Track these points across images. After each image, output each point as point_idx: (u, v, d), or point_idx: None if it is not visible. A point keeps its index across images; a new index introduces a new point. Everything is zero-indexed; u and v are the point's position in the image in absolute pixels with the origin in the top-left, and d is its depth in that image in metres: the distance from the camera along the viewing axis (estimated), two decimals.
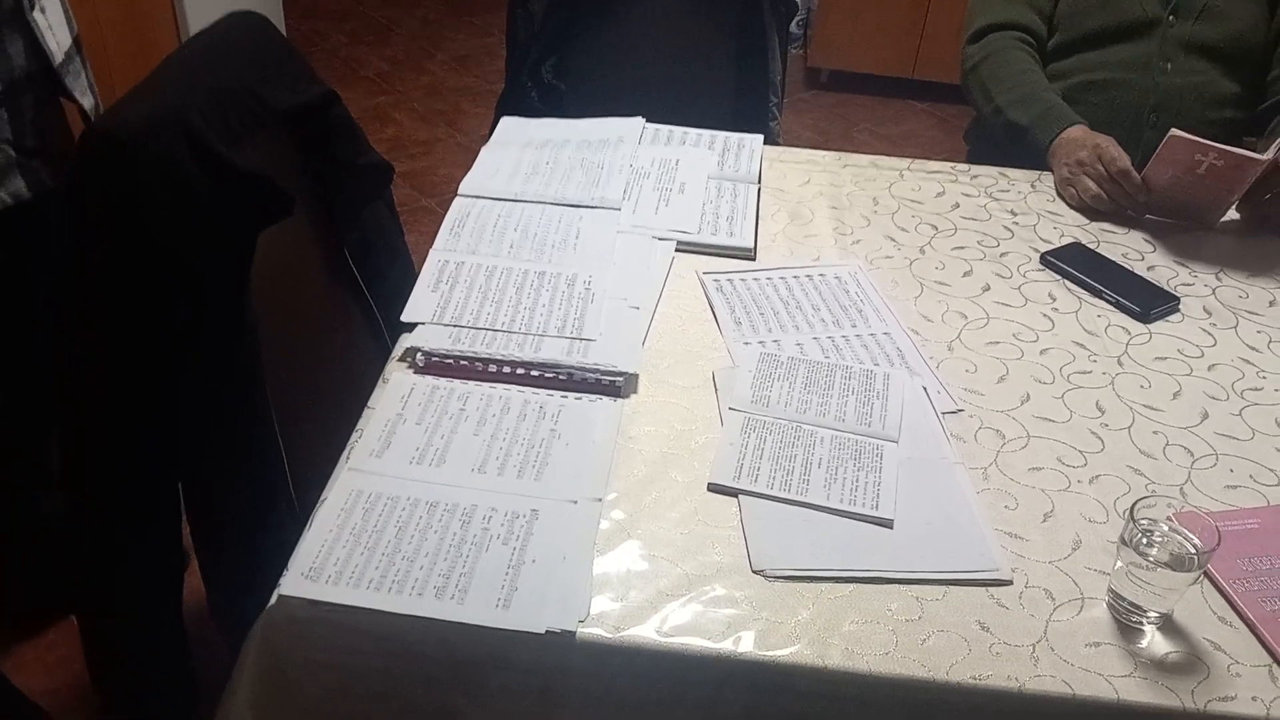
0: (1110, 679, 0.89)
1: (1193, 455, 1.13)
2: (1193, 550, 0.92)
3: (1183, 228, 1.53)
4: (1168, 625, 0.94)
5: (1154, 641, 0.93)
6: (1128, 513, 0.93)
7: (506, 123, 1.64)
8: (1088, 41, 1.73)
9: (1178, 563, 0.91)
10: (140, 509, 1.24)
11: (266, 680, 0.93)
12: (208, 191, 1.10)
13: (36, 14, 1.26)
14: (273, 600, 0.91)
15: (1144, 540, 0.93)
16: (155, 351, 1.13)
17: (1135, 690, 0.88)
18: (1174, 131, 1.44)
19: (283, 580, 0.92)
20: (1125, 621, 0.94)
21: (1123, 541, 0.93)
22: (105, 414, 1.16)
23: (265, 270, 1.19)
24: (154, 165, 1.06)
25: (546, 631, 0.89)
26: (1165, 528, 0.94)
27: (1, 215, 1.25)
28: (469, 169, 1.51)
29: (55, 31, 1.29)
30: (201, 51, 1.24)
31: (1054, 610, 0.95)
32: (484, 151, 1.56)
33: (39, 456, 1.66)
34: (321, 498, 1.01)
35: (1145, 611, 0.93)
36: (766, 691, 0.90)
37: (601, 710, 0.92)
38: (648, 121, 1.66)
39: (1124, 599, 0.94)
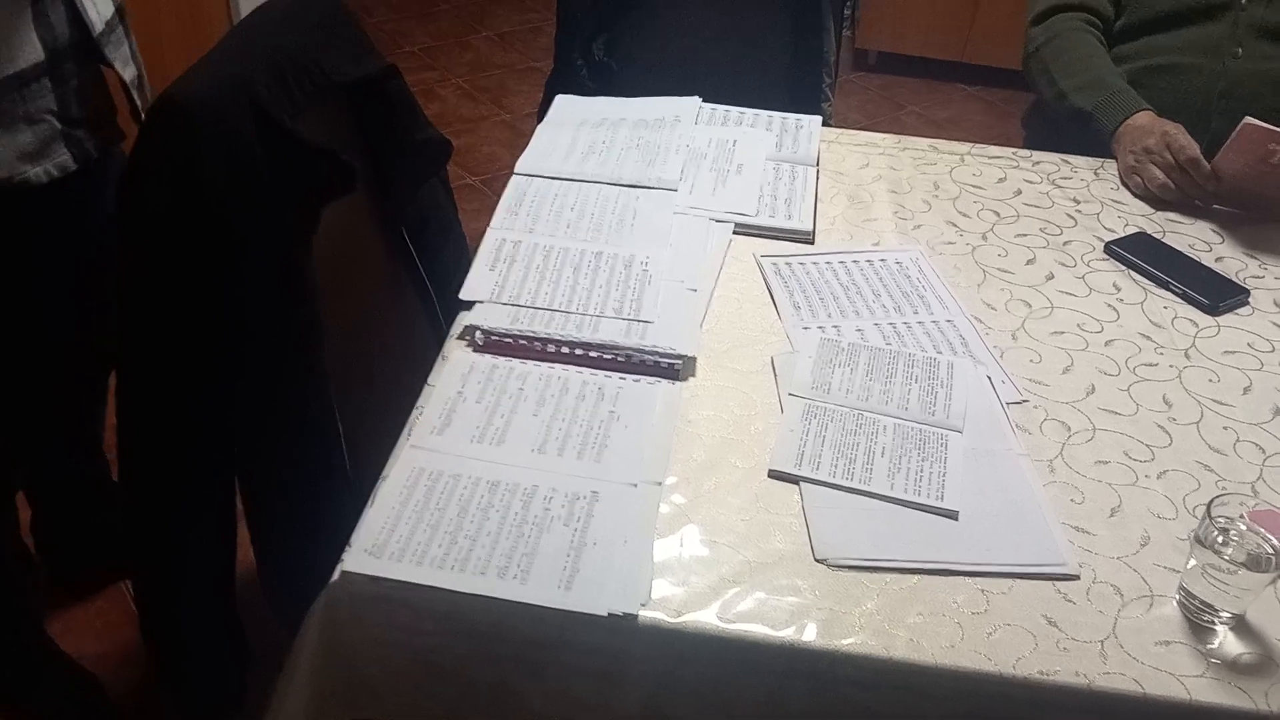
0: (1181, 678, 0.88)
1: (1264, 452, 1.11)
2: (1271, 551, 0.90)
3: (1252, 219, 1.49)
4: (1240, 625, 0.92)
5: (1226, 641, 0.91)
6: (1204, 510, 0.91)
7: (561, 101, 1.63)
8: (1156, 24, 1.69)
9: (1255, 563, 0.89)
10: (195, 480, 1.25)
11: (327, 656, 0.93)
12: (272, 164, 1.09)
13: None
14: (335, 576, 0.91)
15: (1219, 539, 0.91)
16: (215, 323, 1.13)
17: (1207, 691, 0.87)
18: (1248, 120, 1.41)
19: (345, 556, 0.92)
20: (1197, 620, 0.92)
21: (1197, 540, 0.91)
22: (162, 385, 1.17)
23: (322, 245, 1.19)
24: (220, 136, 1.06)
25: (608, 614, 0.89)
26: (1242, 526, 0.92)
27: (48, 187, 1.25)
28: (514, 147, 1.51)
29: (97, 1, 1.29)
30: (266, 21, 1.23)
31: (1122, 607, 0.93)
32: (540, 129, 1.55)
33: (82, 423, 1.68)
34: (383, 474, 1.01)
35: (1218, 611, 0.91)
36: (830, 681, 0.89)
37: (661, 694, 0.92)
38: (701, 101, 1.64)
39: (1196, 598, 0.92)
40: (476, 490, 0.99)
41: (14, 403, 1.43)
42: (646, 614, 0.90)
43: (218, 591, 1.34)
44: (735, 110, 1.62)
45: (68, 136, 1.26)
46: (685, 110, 1.59)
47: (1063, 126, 1.71)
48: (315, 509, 1.23)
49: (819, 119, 1.61)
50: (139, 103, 1.38)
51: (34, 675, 1.61)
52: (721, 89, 1.67)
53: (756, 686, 0.90)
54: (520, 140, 1.52)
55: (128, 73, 1.35)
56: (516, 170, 1.45)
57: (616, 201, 1.40)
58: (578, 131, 1.54)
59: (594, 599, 0.90)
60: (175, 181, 1.04)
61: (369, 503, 0.98)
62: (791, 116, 1.61)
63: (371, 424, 1.28)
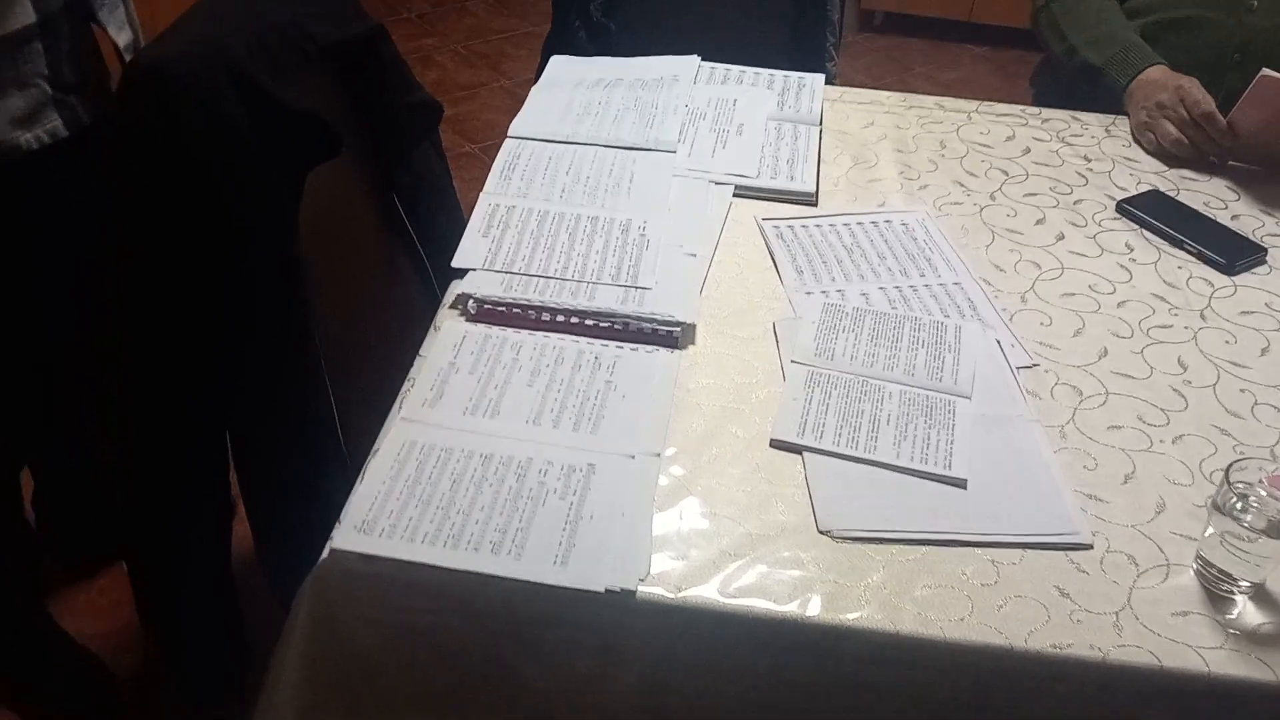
0: (1200, 650, 0.85)
1: None
2: None
3: (1269, 175, 1.44)
4: (1260, 595, 0.89)
5: (1246, 612, 0.88)
6: (1222, 476, 0.88)
7: (556, 61, 1.59)
8: None
9: (1276, 529, 0.86)
10: (186, 457, 1.22)
11: (318, 636, 0.90)
12: (253, 129, 1.06)
13: None
14: (325, 554, 0.89)
15: (1238, 505, 0.87)
16: (201, 294, 1.10)
17: (1227, 663, 0.84)
18: (1265, 72, 1.36)
19: (335, 534, 0.89)
20: (1215, 590, 0.89)
21: (1215, 507, 0.88)
22: (149, 359, 1.14)
23: (311, 214, 1.15)
24: (197, 102, 1.03)
25: (606, 590, 0.86)
26: (1262, 492, 0.88)
27: (38, 154, 1.22)
28: (513, 114, 1.46)
29: None
30: None
31: (1138, 577, 0.90)
32: (534, 91, 1.51)
33: (85, 408, 1.65)
34: (374, 448, 0.98)
35: (1237, 580, 0.88)
36: (834, 657, 0.86)
37: (662, 671, 0.89)
38: (700, 59, 1.59)
39: (1214, 566, 0.89)
40: (469, 464, 0.96)
41: (15, 389, 1.40)
42: (645, 589, 0.87)
43: (212, 571, 1.32)
44: (735, 69, 1.58)
45: (59, 102, 1.22)
46: (684, 70, 1.55)
47: (1072, 84, 1.66)
48: (311, 485, 1.20)
49: (821, 77, 1.56)
50: None
51: (39, 659, 1.60)
52: (722, 50, 1.63)
53: (758, 663, 0.87)
54: (520, 107, 1.48)
55: (122, 37, 1.31)
56: (510, 133, 1.41)
57: (613, 164, 1.36)
58: (573, 93, 1.49)
59: (591, 575, 0.87)
60: (151, 148, 1.01)
61: (359, 478, 0.95)
62: (794, 75, 1.56)
63: (366, 396, 1.25)
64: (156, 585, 1.32)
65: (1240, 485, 0.88)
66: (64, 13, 1.20)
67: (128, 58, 1.32)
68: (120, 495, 1.28)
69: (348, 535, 0.89)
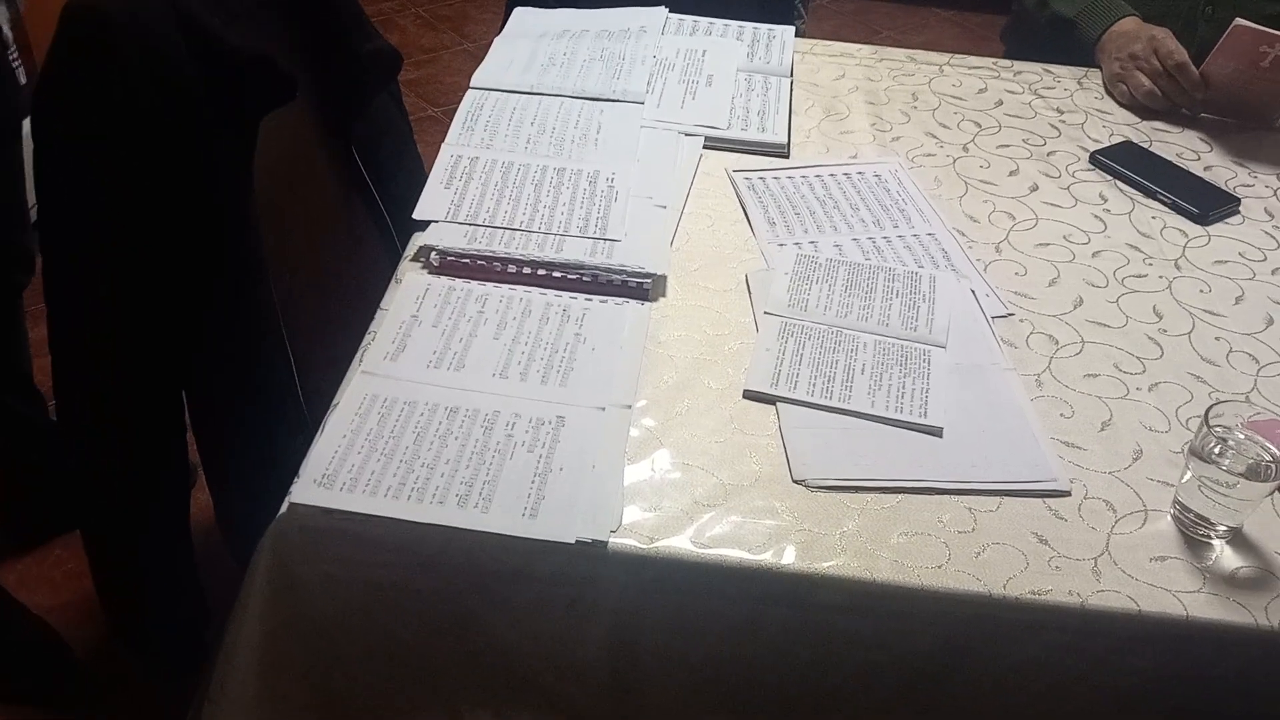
0: (1178, 594, 0.84)
1: (1258, 362, 1.07)
2: (1270, 459, 0.86)
3: (1241, 126, 1.44)
4: (1237, 539, 0.88)
5: (1223, 556, 0.87)
6: (1201, 420, 0.86)
7: (520, 13, 1.54)
8: None
9: (1254, 473, 0.85)
10: (139, 419, 1.18)
11: (277, 595, 0.87)
12: (202, 74, 1.01)
13: None
14: (283, 509, 0.85)
15: (1217, 450, 0.86)
16: (152, 249, 1.05)
17: (1205, 606, 0.83)
18: (1238, 22, 1.35)
19: (294, 488, 0.86)
20: (1192, 535, 0.88)
21: (1193, 452, 0.87)
22: (97, 317, 1.09)
23: (267, 166, 1.11)
24: (141, 45, 0.98)
25: (576, 541, 0.84)
26: (1241, 436, 0.87)
27: None
28: None
29: None
30: None
31: (1115, 523, 0.89)
32: (497, 42, 1.47)
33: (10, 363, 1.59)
34: (334, 402, 0.94)
35: (1214, 525, 0.87)
36: (810, 607, 0.84)
37: (634, 624, 0.87)
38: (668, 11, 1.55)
39: (1191, 511, 0.88)
40: (434, 417, 0.93)
41: None
42: (617, 540, 0.85)
43: (169, 536, 1.28)
44: (704, 20, 1.54)
45: None
46: (650, 21, 1.51)
47: (1043, 39, 1.64)
48: (268, 442, 1.17)
49: (791, 29, 1.53)
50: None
51: None
52: (690, 8, 1.59)
53: (732, 613, 0.85)
54: None
55: None
56: (472, 84, 1.37)
57: (579, 115, 1.32)
58: (537, 44, 1.45)
59: (561, 526, 0.85)
60: (91, 94, 0.96)
61: (319, 432, 0.92)
62: (763, 26, 1.53)
63: (325, 352, 1.21)
64: (113, 554, 1.28)
65: (1219, 429, 0.87)
66: None
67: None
68: (74, 459, 1.23)
69: (307, 489, 0.86)
